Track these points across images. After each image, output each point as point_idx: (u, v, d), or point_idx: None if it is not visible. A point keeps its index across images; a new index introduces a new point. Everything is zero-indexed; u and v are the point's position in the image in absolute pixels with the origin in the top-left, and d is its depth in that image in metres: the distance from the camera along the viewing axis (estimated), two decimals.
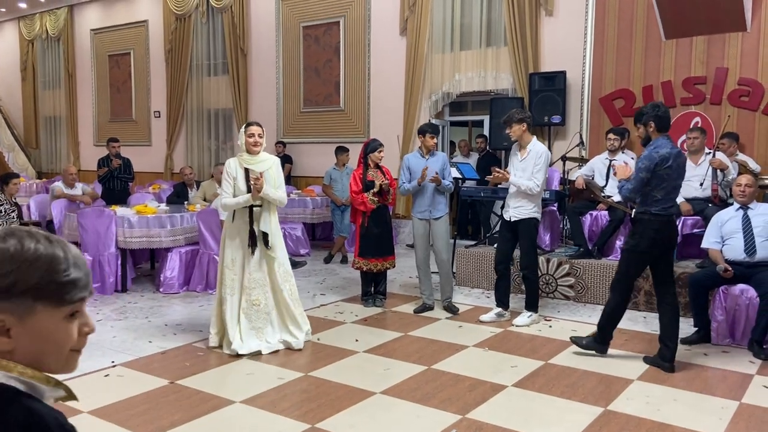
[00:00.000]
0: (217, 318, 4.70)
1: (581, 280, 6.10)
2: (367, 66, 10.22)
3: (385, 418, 3.54)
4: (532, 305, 5.39)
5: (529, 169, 5.20)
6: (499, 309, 5.48)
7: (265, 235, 4.60)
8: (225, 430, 3.41)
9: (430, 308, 5.80)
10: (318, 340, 4.91)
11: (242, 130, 4.66)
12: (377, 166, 5.86)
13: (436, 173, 5.55)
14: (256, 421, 3.50)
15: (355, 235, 5.99)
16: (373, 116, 10.23)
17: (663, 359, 4.28)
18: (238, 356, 4.50)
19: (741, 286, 4.78)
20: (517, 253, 5.45)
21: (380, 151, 5.83)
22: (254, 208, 4.59)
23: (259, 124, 4.69)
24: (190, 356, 4.54)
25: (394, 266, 6.02)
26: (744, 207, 4.94)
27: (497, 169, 5.30)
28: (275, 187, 4.62)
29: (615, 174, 4.61)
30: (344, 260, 8.14)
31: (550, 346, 4.77)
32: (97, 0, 13.93)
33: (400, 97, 9.79)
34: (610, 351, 4.55)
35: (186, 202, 7.68)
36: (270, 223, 4.65)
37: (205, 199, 7.53)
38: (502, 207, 5.54)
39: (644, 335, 5.03)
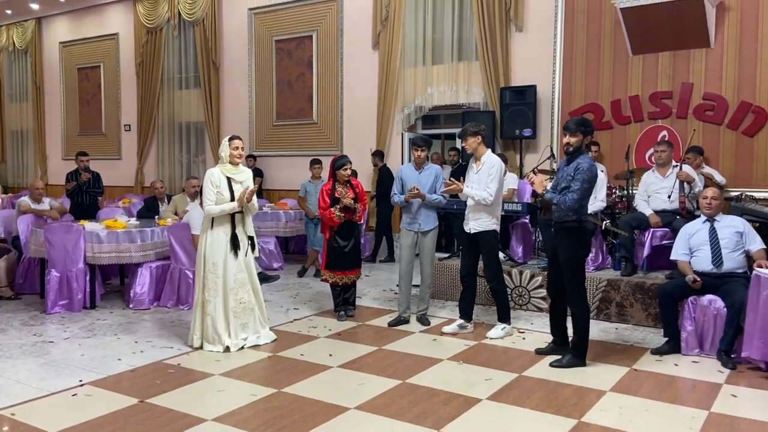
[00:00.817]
0: (199, 321, 4.99)
1: None
2: (340, 80, 10.25)
3: None
4: (504, 317, 5.42)
5: (483, 180, 5.25)
6: (462, 321, 5.52)
7: (251, 239, 5.06)
8: None
9: (405, 321, 5.80)
10: (301, 355, 4.87)
11: (226, 142, 4.98)
12: (347, 182, 5.89)
13: (418, 189, 5.57)
14: None
15: (323, 248, 6.03)
16: (345, 129, 10.24)
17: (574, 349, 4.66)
18: (212, 373, 4.45)
19: (709, 296, 4.86)
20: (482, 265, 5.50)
21: (346, 168, 5.86)
22: (236, 214, 4.99)
23: (241, 138, 5.07)
24: (160, 374, 4.47)
25: (359, 278, 6.09)
26: (711, 219, 5.04)
27: (452, 179, 5.36)
28: None
29: (533, 185, 4.76)
30: (318, 274, 8.09)
31: (523, 359, 4.79)
32: (66, 12, 13.76)
33: (372, 110, 9.83)
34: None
35: (157, 217, 7.57)
36: (250, 227, 5.10)
37: (176, 213, 7.43)
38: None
39: (615, 346, 5.08)
